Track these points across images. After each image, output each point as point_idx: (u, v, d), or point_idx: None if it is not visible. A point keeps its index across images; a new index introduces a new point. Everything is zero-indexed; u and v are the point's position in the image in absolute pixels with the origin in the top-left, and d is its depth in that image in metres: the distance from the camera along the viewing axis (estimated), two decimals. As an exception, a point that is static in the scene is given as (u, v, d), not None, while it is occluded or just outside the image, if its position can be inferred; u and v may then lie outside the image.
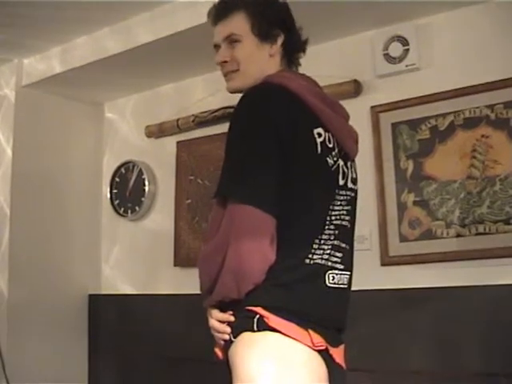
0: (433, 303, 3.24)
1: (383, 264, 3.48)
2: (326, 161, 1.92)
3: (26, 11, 3.74)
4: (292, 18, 2.14)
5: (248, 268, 1.76)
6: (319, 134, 1.91)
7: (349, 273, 1.98)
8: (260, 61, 2.06)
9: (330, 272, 1.89)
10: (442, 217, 3.33)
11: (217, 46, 2.11)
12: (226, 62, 2.07)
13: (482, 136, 3.28)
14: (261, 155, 1.80)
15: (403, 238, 3.44)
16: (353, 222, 2.05)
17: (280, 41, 2.08)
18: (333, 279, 1.89)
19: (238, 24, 2.05)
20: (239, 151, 1.84)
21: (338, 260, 1.92)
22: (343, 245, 1.96)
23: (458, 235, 3.27)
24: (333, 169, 1.94)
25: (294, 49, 2.13)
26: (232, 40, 2.06)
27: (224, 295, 1.82)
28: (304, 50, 2.17)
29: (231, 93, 2.12)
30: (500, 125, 3.23)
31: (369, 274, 3.36)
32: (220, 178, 1.87)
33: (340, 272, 1.93)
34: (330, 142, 1.94)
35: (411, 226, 3.42)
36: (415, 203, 3.43)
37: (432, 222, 3.36)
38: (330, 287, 1.88)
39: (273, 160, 1.79)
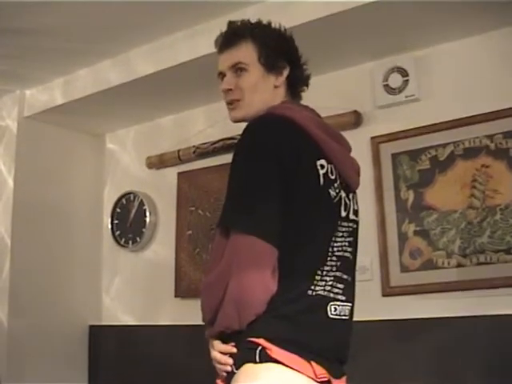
0: (434, 334, 3.23)
1: (384, 294, 3.47)
2: (329, 192, 1.92)
3: (28, 43, 3.77)
4: (298, 51, 2.16)
5: (250, 298, 1.75)
6: (322, 166, 1.91)
7: (350, 304, 1.97)
8: (264, 91, 2.06)
9: (331, 303, 1.88)
10: (443, 247, 3.33)
11: (221, 74, 2.11)
12: (230, 89, 2.07)
13: (482, 166, 3.28)
14: (263, 186, 1.80)
15: (404, 269, 3.43)
16: (354, 253, 2.04)
17: (286, 73, 2.09)
18: (335, 310, 1.89)
19: (246, 53, 2.06)
20: (242, 181, 1.84)
21: (340, 291, 1.91)
22: (345, 276, 1.95)
23: (459, 265, 3.26)
24: (335, 200, 1.94)
25: (298, 82, 2.15)
26: (238, 68, 2.06)
27: (226, 326, 1.81)
28: (307, 84, 2.19)
29: (234, 122, 2.12)
30: (500, 155, 3.25)
31: (370, 305, 3.35)
32: (223, 208, 1.87)
33: (342, 303, 1.92)
34: (332, 174, 1.94)
35: (412, 256, 3.42)
36: (416, 233, 3.43)
37: (433, 252, 3.36)
38: (331, 318, 1.88)
39: (275, 191, 1.79)
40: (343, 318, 1.92)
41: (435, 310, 3.26)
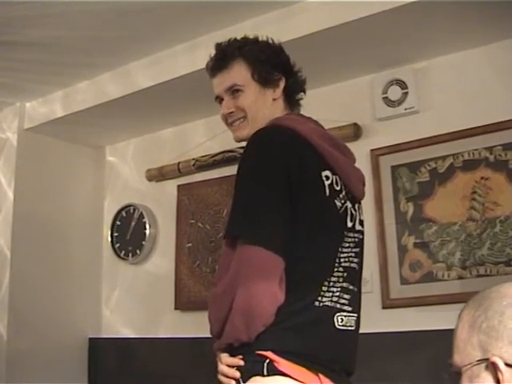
0: (434, 346, 3.22)
1: (384, 307, 3.46)
2: (335, 203, 1.93)
3: (28, 56, 3.78)
4: (290, 60, 2.16)
5: (257, 309, 1.75)
6: (327, 177, 1.92)
7: (356, 315, 1.98)
8: (265, 106, 2.07)
9: (338, 314, 1.89)
10: (443, 259, 3.32)
11: (218, 98, 2.13)
12: (231, 112, 2.08)
13: (482, 178, 3.28)
14: (270, 196, 1.81)
15: (404, 281, 3.43)
16: (361, 263, 2.05)
17: (282, 84, 2.10)
18: (341, 321, 1.89)
19: (239, 73, 2.07)
20: (248, 192, 1.85)
21: (346, 302, 1.92)
22: (351, 287, 1.96)
23: (459, 277, 3.26)
24: (341, 211, 1.95)
25: (295, 90, 2.15)
26: (234, 90, 2.07)
27: (234, 338, 1.80)
28: (304, 90, 2.19)
29: (239, 141, 2.13)
30: (499, 167, 3.25)
31: (370, 317, 3.31)
32: (229, 219, 1.88)
33: (348, 314, 1.92)
34: (337, 185, 1.95)
35: (412, 268, 3.41)
36: (416, 245, 3.42)
37: (433, 265, 3.35)
38: (338, 329, 1.88)
39: (282, 202, 1.80)
40: (349, 328, 1.93)
41: (435, 322, 3.25)
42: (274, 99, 2.09)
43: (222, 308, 1.82)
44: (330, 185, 1.92)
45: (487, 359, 1.26)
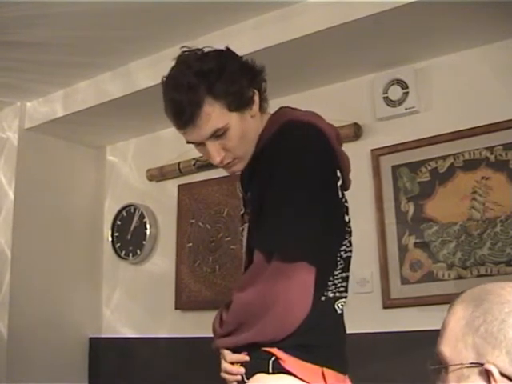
0: (434, 346, 3.21)
1: (385, 307, 3.46)
2: (342, 203, 1.95)
3: (29, 56, 3.78)
4: (254, 64, 1.95)
5: (293, 321, 1.75)
6: (338, 178, 1.92)
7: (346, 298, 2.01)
8: (250, 130, 1.91)
9: (338, 302, 1.92)
10: (444, 259, 3.32)
11: (194, 143, 1.97)
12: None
13: (482, 178, 3.28)
14: (313, 206, 1.77)
15: (405, 281, 3.43)
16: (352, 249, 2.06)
17: (257, 97, 1.93)
18: (339, 307, 1.93)
19: (217, 115, 1.82)
20: (291, 201, 1.76)
21: (344, 289, 1.95)
22: (348, 274, 1.99)
23: (460, 277, 3.26)
24: (343, 209, 1.96)
25: (263, 90, 1.99)
26: (218, 134, 1.85)
27: (255, 340, 1.77)
28: (265, 80, 1.99)
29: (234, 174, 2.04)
30: (500, 166, 3.25)
31: (371, 317, 3.35)
32: (270, 228, 1.78)
33: (344, 300, 1.96)
34: (342, 184, 1.96)
35: (412, 268, 3.41)
36: (416, 245, 3.42)
37: (433, 264, 3.35)
38: (339, 314, 1.93)
39: (321, 211, 1.78)
40: (342, 311, 1.96)
41: (436, 322, 3.20)
42: (252, 116, 1.92)
43: (253, 315, 1.77)
44: (341, 185, 1.92)
45: (481, 364, 1.25)
